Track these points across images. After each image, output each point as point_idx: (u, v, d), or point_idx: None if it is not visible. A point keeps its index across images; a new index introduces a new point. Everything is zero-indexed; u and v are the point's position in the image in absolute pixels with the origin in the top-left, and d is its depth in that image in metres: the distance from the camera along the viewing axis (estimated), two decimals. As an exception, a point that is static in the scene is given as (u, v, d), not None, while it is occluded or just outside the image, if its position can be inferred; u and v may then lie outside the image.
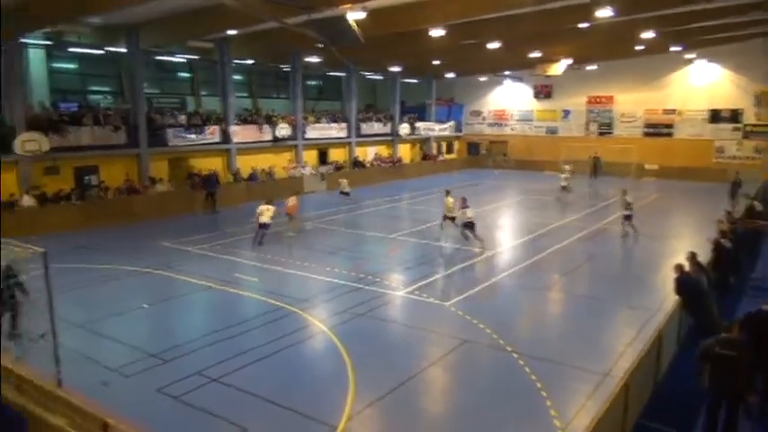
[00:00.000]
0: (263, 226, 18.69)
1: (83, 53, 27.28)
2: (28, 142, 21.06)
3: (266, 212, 18.76)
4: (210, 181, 26.11)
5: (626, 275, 16.10)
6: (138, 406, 8.43)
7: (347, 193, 27.69)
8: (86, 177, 24.34)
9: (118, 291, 14.48)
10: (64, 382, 8.36)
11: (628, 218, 19.89)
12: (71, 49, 26.63)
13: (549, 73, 35.70)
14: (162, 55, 29.68)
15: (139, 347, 10.65)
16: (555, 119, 44.07)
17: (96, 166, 24.70)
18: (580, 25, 24.98)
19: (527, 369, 9.75)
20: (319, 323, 11.97)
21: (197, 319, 12.81)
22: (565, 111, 43.50)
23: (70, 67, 28.48)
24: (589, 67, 38.88)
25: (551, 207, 27.60)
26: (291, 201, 20.77)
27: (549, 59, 34.29)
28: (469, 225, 18.08)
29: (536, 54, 32.54)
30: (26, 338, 9.77)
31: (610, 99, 41.20)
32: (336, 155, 37.80)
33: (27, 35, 22.57)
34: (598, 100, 41.78)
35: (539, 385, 9.17)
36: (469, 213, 18.11)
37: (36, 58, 25.41)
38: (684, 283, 10.69)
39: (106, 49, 26.54)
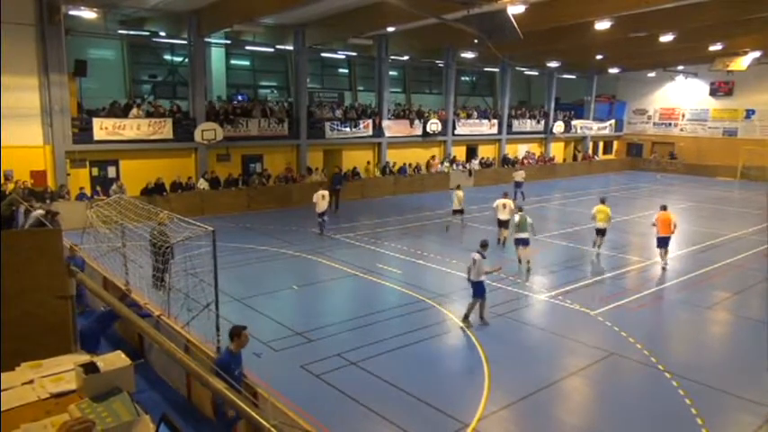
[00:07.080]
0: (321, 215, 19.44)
1: (255, 51, 29.80)
2: (206, 131, 23.56)
3: (321, 201, 19.38)
4: (336, 179, 25.37)
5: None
6: (283, 379, 9.06)
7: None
8: (252, 165, 26.63)
9: (272, 271, 15.69)
10: (222, 350, 9.22)
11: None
12: (247, 48, 29.22)
13: (731, 68, 32.11)
14: (324, 52, 31.39)
15: (287, 325, 11.43)
16: (735, 119, 39.48)
17: (261, 155, 26.95)
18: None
19: (681, 391, 8.90)
20: (457, 319, 11.94)
21: (340, 303, 13.44)
22: (748, 110, 38.77)
23: (244, 63, 31.23)
24: (782, 61, 34.22)
25: (726, 216, 24.80)
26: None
27: (733, 52, 30.75)
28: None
29: (717, 47, 29.22)
30: (195, 308, 10.93)
31: (807, 97, 36.06)
32: (485, 151, 37.31)
33: (211, 35, 25.13)
34: (792, 98, 36.77)
35: (693, 411, 8.32)
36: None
37: (217, 57, 28.28)
38: None
39: (276, 47, 28.72)
